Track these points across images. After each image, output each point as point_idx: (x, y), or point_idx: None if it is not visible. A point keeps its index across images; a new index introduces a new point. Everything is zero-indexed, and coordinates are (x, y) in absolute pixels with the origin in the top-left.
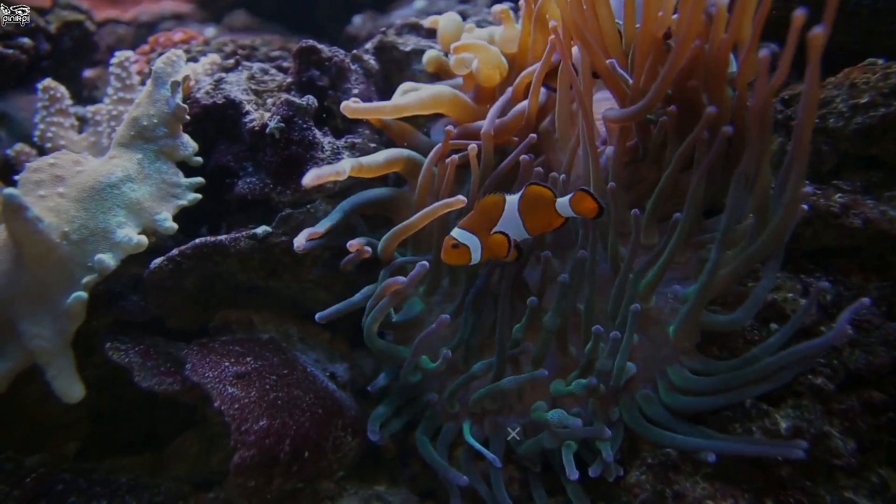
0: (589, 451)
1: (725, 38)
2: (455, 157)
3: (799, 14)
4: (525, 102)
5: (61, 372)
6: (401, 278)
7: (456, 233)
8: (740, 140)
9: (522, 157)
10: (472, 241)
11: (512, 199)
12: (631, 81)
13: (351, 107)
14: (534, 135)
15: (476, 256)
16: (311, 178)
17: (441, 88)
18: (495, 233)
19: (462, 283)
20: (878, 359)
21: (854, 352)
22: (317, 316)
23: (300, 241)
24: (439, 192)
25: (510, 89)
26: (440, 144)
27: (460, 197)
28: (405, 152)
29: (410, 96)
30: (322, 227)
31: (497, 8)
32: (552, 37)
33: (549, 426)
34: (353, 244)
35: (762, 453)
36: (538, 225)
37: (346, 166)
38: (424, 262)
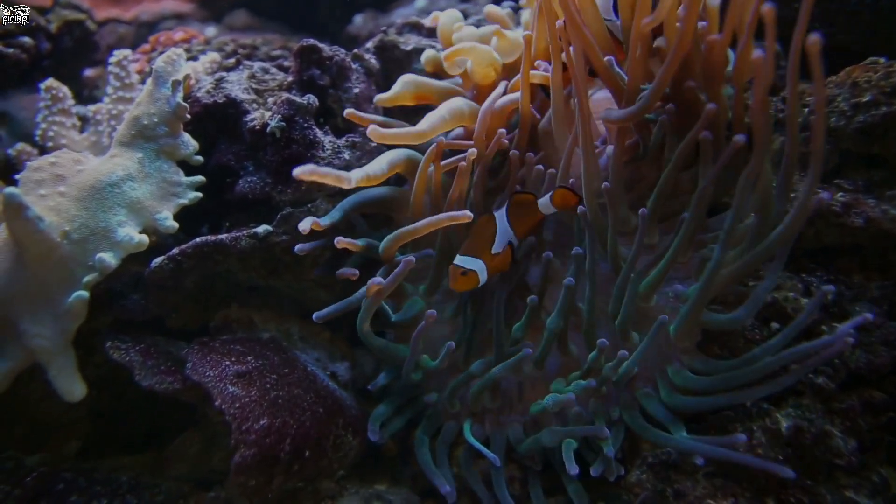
0: (590, 449)
1: (720, 39)
2: (462, 164)
3: (768, 9)
4: (509, 97)
5: (62, 371)
6: (379, 279)
7: (459, 260)
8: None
9: (513, 152)
10: (477, 265)
11: (500, 214)
12: (626, 79)
13: (378, 132)
14: (503, 129)
15: (483, 278)
16: (304, 170)
17: (459, 103)
18: (496, 253)
19: None
20: (879, 358)
21: (855, 351)
22: (315, 316)
23: (305, 226)
24: (437, 194)
25: (497, 90)
26: (434, 146)
27: (467, 212)
28: (405, 153)
29: (432, 119)
30: (324, 221)
31: (491, 10)
32: (526, 32)
33: (546, 412)
34: (341, 242)
35: (752, 465)
36: (526, 229)
37: (352, 176)
38: (410, 258)
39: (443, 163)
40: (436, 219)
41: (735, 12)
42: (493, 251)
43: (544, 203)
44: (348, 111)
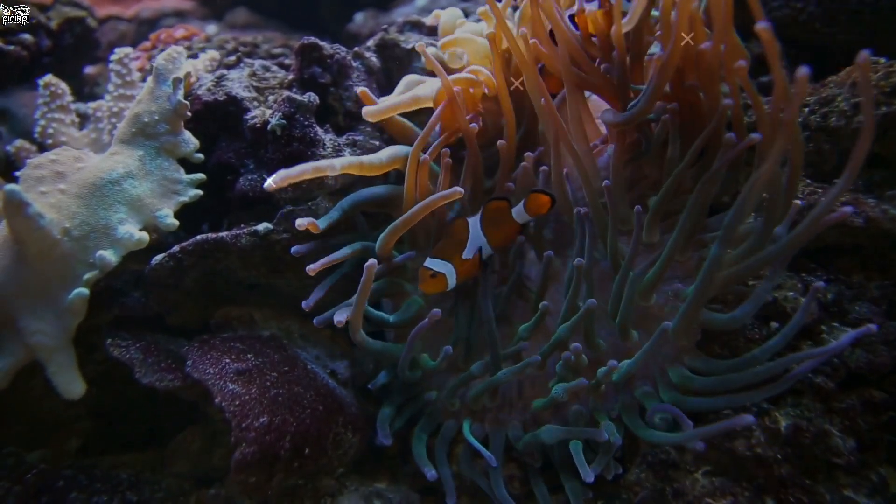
0: (589, 448)
1: (709, 48)
2: (447, 160)
3: (761, 27)
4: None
5: (62, 368)
6: (344, 314)
7: (430, 262)
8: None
9: (500, 142)
10: (446, 268)
11: (474, 221)
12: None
13: (372, 109)
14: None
15: (452, 282)
16: (274, 179)
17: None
18: (467, 259)
19: None
20: (879, 358)
21: (855, 350)
22: (315, 320)
23: (301, 222)
24: (423, 192)
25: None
26: (420, 138)
27: (457, 188)
28: (406, 149)
29: (428, 87)
30: (322, 223)
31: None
32: (489, 30)
33: (547, 409)
34: (312, 269)
35: (722, 430)
36: (500, 237)
37: (337, 163)
38: (373, 262)
39: (434, 144)
40: (427, 202)
41: (719, 16)
42: (463, 256)
43: (518, 211)
44: (360, 89)
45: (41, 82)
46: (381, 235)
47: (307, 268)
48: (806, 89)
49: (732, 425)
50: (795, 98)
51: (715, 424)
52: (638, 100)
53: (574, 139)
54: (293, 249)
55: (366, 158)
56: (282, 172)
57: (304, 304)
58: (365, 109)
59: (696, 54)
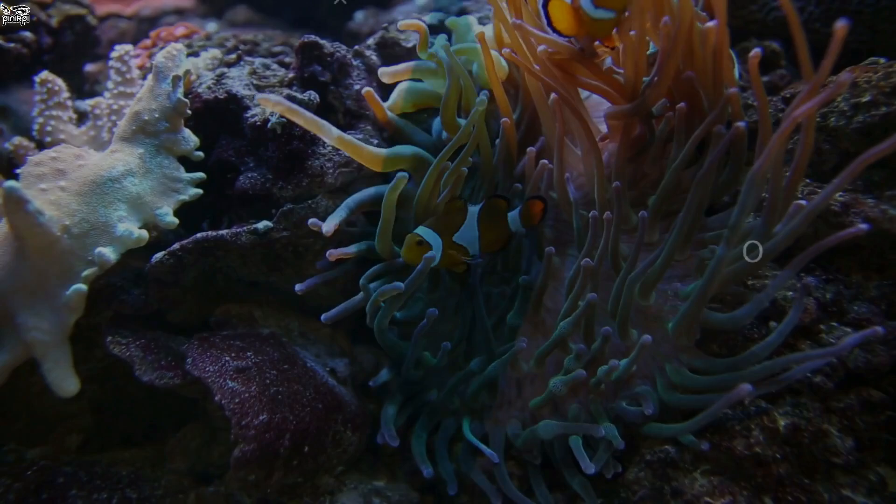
0: (588, 447)
1: (712, 31)
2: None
3: (841, 25)
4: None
5: (57, 365)
6: (399, 283)
7: (421, 230)
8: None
9: (504, 119)
10: (435, 241)
11: (473, 212)
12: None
13: (387, 70)
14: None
15: (437, 257)
16: (276, 106)
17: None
18: (457, 242)
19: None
20: (878, 357)
21: (853, 350)
22: (323, 317)
23: (329, 227)
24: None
25: None
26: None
27: (400, 173)
28: (412, 149)
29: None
30: (332, 220)
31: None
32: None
33: (546, 408)
34: (333, 255)
35: (721, 407)
36: (489, 239)
37: (333, 132)
38: (432, 253)
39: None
40: (386, 199)
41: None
42: (453, 238)
43: (513, 218)
44: (366, 90)
45: (37, 79)
46: (376, 240)
47: (328, 253)
48: (839, 94)
49: (731, 399)
50: (820, 100)
51: (713, 406)
52: (644, 88)
53: (581, 134)
54: (310, 221)
55: (366, 146)
56: (285, 103)
57: (297, 287)
58: (381, 70)
59: (700, 36)
